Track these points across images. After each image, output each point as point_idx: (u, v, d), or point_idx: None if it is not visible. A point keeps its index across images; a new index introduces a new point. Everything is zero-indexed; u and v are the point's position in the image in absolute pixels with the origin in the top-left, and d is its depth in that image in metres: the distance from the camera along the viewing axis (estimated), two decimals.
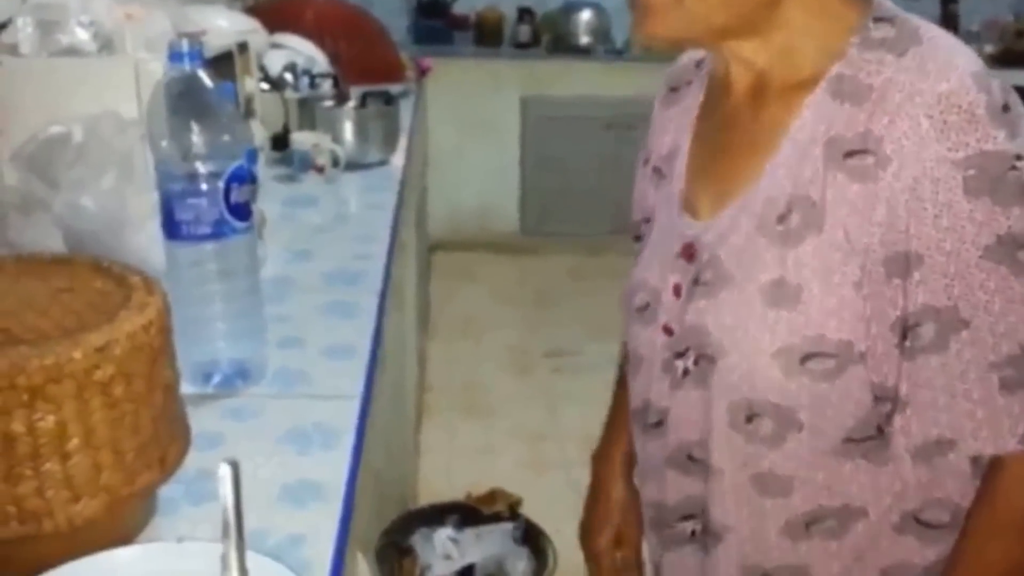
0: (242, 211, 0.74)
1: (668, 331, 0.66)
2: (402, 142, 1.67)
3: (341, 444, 0.72)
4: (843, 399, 0.60)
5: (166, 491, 0.61)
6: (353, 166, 1.50)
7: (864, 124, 0.56)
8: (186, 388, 0.65)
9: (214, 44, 1.19)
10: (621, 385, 0.83)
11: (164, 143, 0.71)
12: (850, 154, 0.57)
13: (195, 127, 0.71)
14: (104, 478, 0.53)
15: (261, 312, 0.80)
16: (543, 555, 1.46)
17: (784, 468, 0.63)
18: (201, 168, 0.71)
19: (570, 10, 3.54)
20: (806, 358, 0.59)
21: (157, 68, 0.97)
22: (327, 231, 1.25)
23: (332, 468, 0.69)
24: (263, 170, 1.37)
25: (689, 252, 0.65)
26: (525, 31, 3.58)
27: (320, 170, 1.44)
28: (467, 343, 2.86)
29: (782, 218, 0.60)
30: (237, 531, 0.44)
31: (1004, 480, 0.59)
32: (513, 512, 1.52)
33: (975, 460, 0.61)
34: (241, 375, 0.78)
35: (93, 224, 0.83)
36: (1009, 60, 3.05)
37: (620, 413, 0.84)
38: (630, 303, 0.70)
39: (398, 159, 1.62)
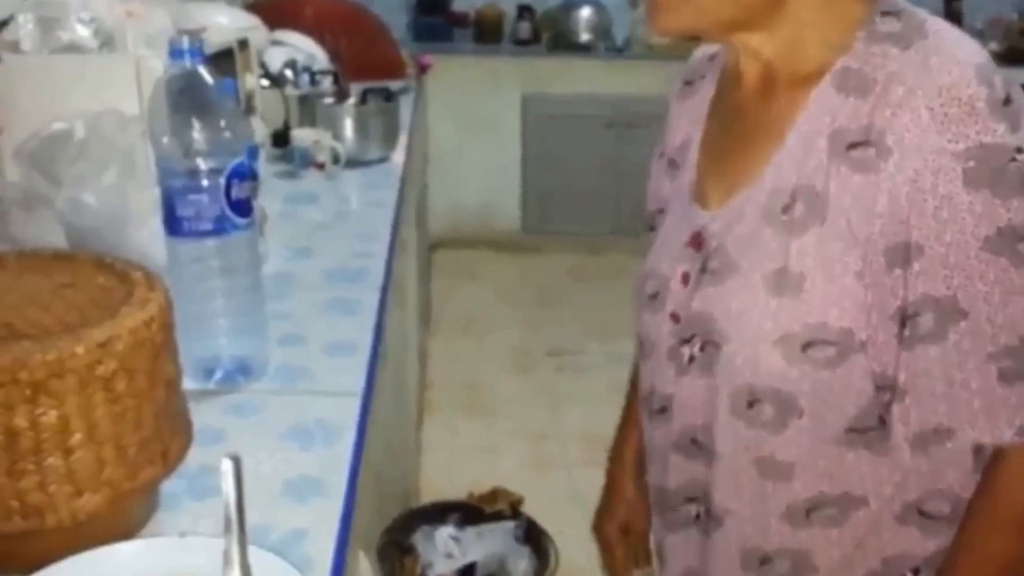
0: (243, 207, 0.74)
1: (675, 318, 0.68)
2: (402, 139, 1.67)
3: (342, 440, 0.72)
4: (844, 388, 0.61)
5: (168, 486, 0.62)
6: (353, 163, 1.50)
7: (868, 116, 0.57)
8: (188, 384, 0.65)
9: (214, 41, 1.20)
10: (634, 384, 0.84)
11: (165, 140, 0.71)
12: (853, 146, 0.58)
13: (196, 124, 0.71)
14: (106, 473, 0.53)
15: (263, 308, 0.81)
16: (545, 554, 1.46)
17: (785, 454, 0.63)
18: (202, 164, 0.71)
19: (570, 7, 3.53)
20: (807, 345, 0.60)
21: (158, 65, 0.97)
22: (328, 228, 1.25)
23: (333, 464, 0.69)
24: (264, 167, 1.37)
25: (697, 241, 0.66)
26: (525, 28, 3.57)
27: (321, 167, 1.44)
28: (468, 342, 2.86)
29: (787, 208, 0.61)
30: (239, 526, 0.44)
31: (1004, 473, 0.60)
32: (515, 511, 1.52)
33: (977, 452, 0.61)
34: (243, 371, 0.78)
35: (95, 220, 0.83)
36: (1013, 58, 3.04)
37: (633, 412, 0.85)
38: (641, 291, 0.72)
39: (398, 156, 1.62)
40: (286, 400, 0.78)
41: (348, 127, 1.54)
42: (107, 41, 1.06)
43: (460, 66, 3.34)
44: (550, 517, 1.55)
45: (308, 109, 1.59)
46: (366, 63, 1.95)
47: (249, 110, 1.42)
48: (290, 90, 1.61)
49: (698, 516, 0.70)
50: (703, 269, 0.65)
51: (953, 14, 3.27)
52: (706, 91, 0.72)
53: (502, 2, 3.60)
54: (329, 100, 1.62)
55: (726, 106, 0.69)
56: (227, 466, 0.44)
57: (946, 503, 0.63)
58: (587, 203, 3.55)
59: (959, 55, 0.57)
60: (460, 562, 1.44)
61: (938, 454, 0.62)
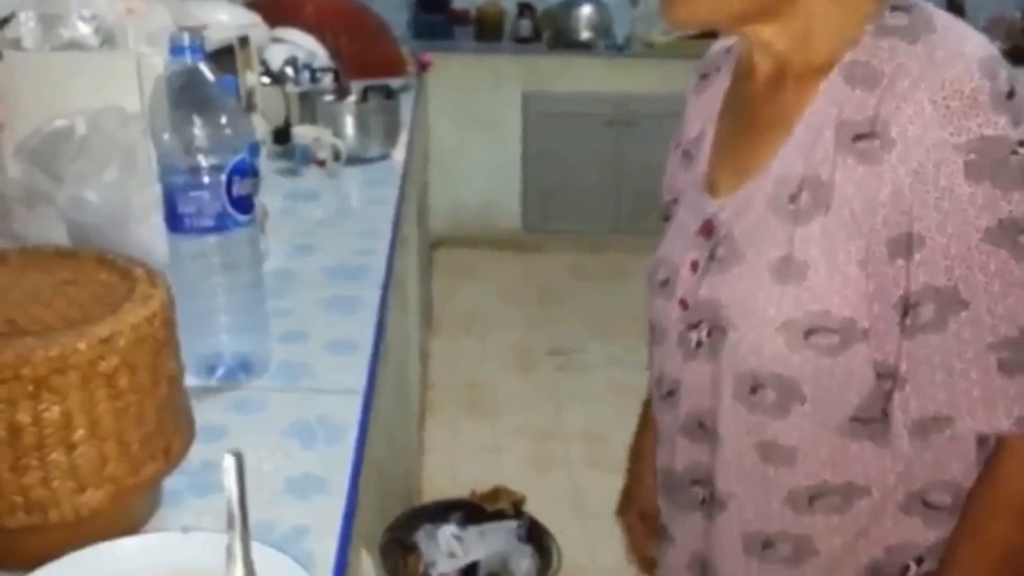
0: (244, 204, 0.74)
1: (684, 304, 0.69)
2: (403, 137, 1.67)
3: (344, 438, 0.72)
4: (846, 376, 0.62)
5: (171, 483, 0.62)
6: (354, 160, 1.50)
7: (874, 109, 0.58)
8: (190, 381, 0.65)
9: (215, 38, 1.19)
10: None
11: (166, 136, 0.71)
12: (859, 137, 0.59)
13: (197, 120, 0.71)
14: (109, 469, 0.53)
15: (264, 305, 0.81)
16: (547, 553, 1.46)
17: (788, 439, 0.64)
18: (203, 161, 0.71)
19: (571, 5, 3.53)
20: (810, 332, 0.61)
21: (158, 62, 0.97)
22: (329, 225, 1.25)
23: (336, 462, 0.69)
24: (265, 164, 1.37)
25: (707, 229, 0.68)
26: (526, 26, 3.57)
27: (321, 164, 1.44)
28: (470, 341, 2.86)
29: (793, 197, 0.62)
30: (242, 522, 0.44)
31: (1005, 462, 0.61)
32: (517, 510, 1.52)
33: (980, 444, 0.62)
34: (244, 368, 0.78)
35: (96, 217, 0.83)
36: (1016, 56, 3.03)
37: (651, 411, 0.86)
38: (652, 278, 0.74)
39: (399, 154, 1.62)
40: (288, 397, 0.78)
41: (349, 124, 1.54)
42: (108, 38, 1.06)
43: (460, 64, 3.34)
44: (551, 516, 1.56)
45: (309, 106, 1.59)
46: (367, 61, 1.95)
47: (250, 107, 1.41)
48: (291, 87, 1.61)
49: (704, 500, 0.71)
50: (711, 257, 0.66)
51: (955, 12, 3.26)
52: (721, 84, 0.73)
53: (503, 0, 3.60)
54: (330, 97, 1.61)
55: (739, 98, 0.70)
56: (229, 462, 0.44)
57: (949, 494, 0.64)
58: (588, 201, 3.55)
59: (964, 49, 0.57)
60: (463, 561, 1.44)
61: (939, 444, 0.62)
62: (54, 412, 0.50)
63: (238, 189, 0.73)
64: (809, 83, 0.62)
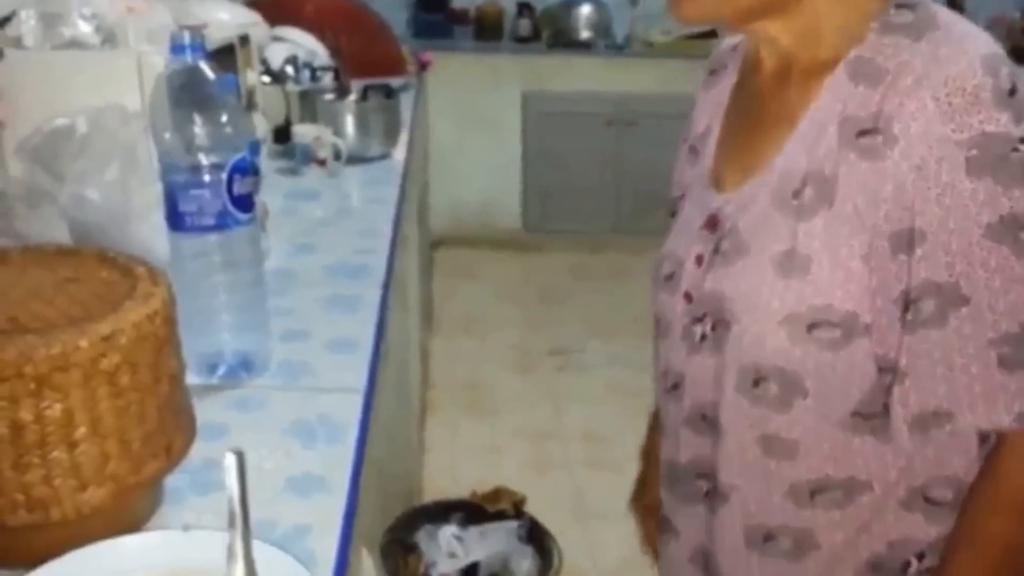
0: (245, 202, 0.74)
1: (688, 298, 0.69)
2: (403, 136, 1.67)
3: (345, 437, 0.72)
4: (848, 370, 0.62)
5: (172, 481, 0.62)
6: (354, 159, 1.50)
7: (877, 105, 0.59)
8: (191, 379, 0.65)
9: (215, 37, 1.19)
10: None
11: (167, 135, 0.71)
12: (863, 133, 0.59)
13: (198, 119, 0.71)
14: (111, 467, 0.53)
15: (265, 304, 0.81)
16: (548, 554, 1.46)
17: (790, 433, 0.65)
18: (204, 160, 0.71)
19: (570, 5, 3.53)
20: (812, 326, 0.61)
21: (159, 61, 0.97)
22: (329, 224, 1.25)
23: (336, 461, 0.69)
24: (265, 163, 1.37)
25: (712, 224, 0.68)
26: (525, 25, 3.57)
27: (322, 163, 1.44)
28: (470, 341, 2.86)
29: (797, 192, 0.62)
30: (243, 520, 0.44)
31: (1005, 458, 0.61)
32: (517, 510, 1.52)
33: (982, 440, 0.62)
34: (245, 367, 0.78)
35: (98, 216, 0.83)
36: (1017, 56, 3.03)
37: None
38: (658, 273, 0.74)
39: (399, 153, 1.62)
40: (289, 396, 0.78)
41: (349, 123, 1.54)
42: (109, 37, 1.06)
43: (460, 63, 3.34)
44: (552, 517, 1.56)
45: (309, 105, 1.59)
46: (367, 60, 1.95)
47: (250, 106, 1.41)
48: (291, 86, 1.61)
49: (707, 493, 0.71)
50: (716, 251, 0.67)
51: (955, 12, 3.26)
52: (728, 80, 0.74)
53: None
54: (330, 96, 1.61)
55: (745, 94, 0.71)
56: (230, 460, 0.44)
57: (950, 490, 0.64)
58: (588, 201, 3.55)
59: (967, 46, 0.58)
60: (463, 561, 1.44)
61: (940, 439, 0.63)
62: (56, 410, 0.50)
63: (239, 187, 0.73)
64: (814, 79, 0.63)
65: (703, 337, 0.68)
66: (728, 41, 0.76)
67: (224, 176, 0.72)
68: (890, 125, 0.58)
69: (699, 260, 0.68)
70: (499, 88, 3.46)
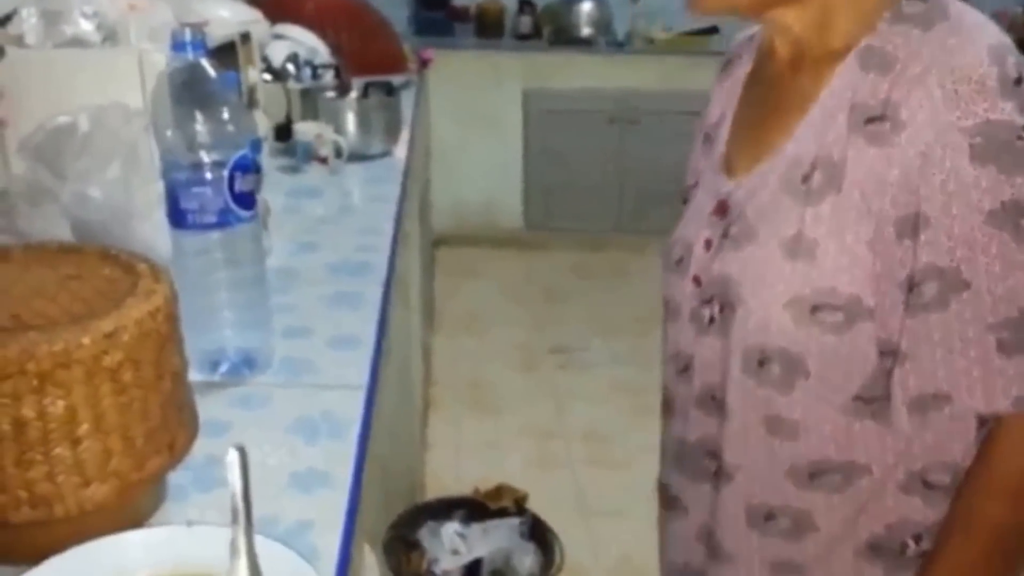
0: (247, 200, 0.74)
1: (697, 282, 0.71)
2: (404, 134, 1.67)
3: (348, 433, 0.72)
4: (851, 354, 0.63)
5: (175, 478, 0.62)
6: (356, 157, 1.50)
7: (886, 93, 0.60)
8: (194, 376, 0.65)
9: (216, 34, 1.19)
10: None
11: (168, 133, 0.71)
12: (871, 120, 0.61)
13: (199, 116, 0.71)
14: (114, 463, 0.53)
15: (267, 301, 0.81)
16: (550, 551, 1.46)
17: (792, 413, 0.66)
18: (205, 157, 0.71)
19: (571, 1, 3.53)
20: (816, 309, 0.62)
21: (160, 58, 0.97)
22: (331, 222, 1.25)
23: (339, 457, 0.69)
24: (267, 161, 1.37)
25: (722, 209, 0.70)
26: (526, 23, 3.57)
27: (323, 161, 1.44)
28: (472, 339, 2.86)
29: (806, 177, 0.64)
30: (246, 516, 0.44)
31: (1001, 442, 0.62)
32: (519, 507, 1.52)
33: (980, 425, 0.63)
34: (248, 364, 0.78)
35: (100, 214, 0.83)
36: (1020, 50, 3.02)
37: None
38: (668, 257, 0.76)
39: (400, 151, 1.62)
40: (291, 393, 0.78)
41: (350, 121, 1.54)
42: (110, 35, 1.06)
43: (461, 61, 3.34)
44: (554, 514, 1.56)
45: (310, 103, 1.59)
46: (367, 57, 1.95)
47: (252, 104, 1.41)
48: (292, 84, 1.61)
49: (715, 472, 0.72)
50: (725, 235, 0.68)
51: None
52: (743, 70, 0.75)
53: None
54: (331, 94, 1.61)
55: (759, 82, 0.72)
56: (233, 457, 0.44)
57: (948, 474, 0.65)
58: (590, 199, 3.54)
59: (975, 36, 0.59)
60: (466, 558, 1.44)
61: (939, 423, 0.63)
62: (58, 407, 0.50)
63: (240, 185, 0.73)
64: (826, 67, 0.64)
65: (711, 320, 0.69)
66: (744, 33, 0.78)
67: (226, 173, 0.72)
68: (898, 112, 0.59)
69: (708, 244, 0.70)
70: (500, 86, 3.46)
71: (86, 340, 0.51)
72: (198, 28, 0.72)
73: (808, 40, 0.65)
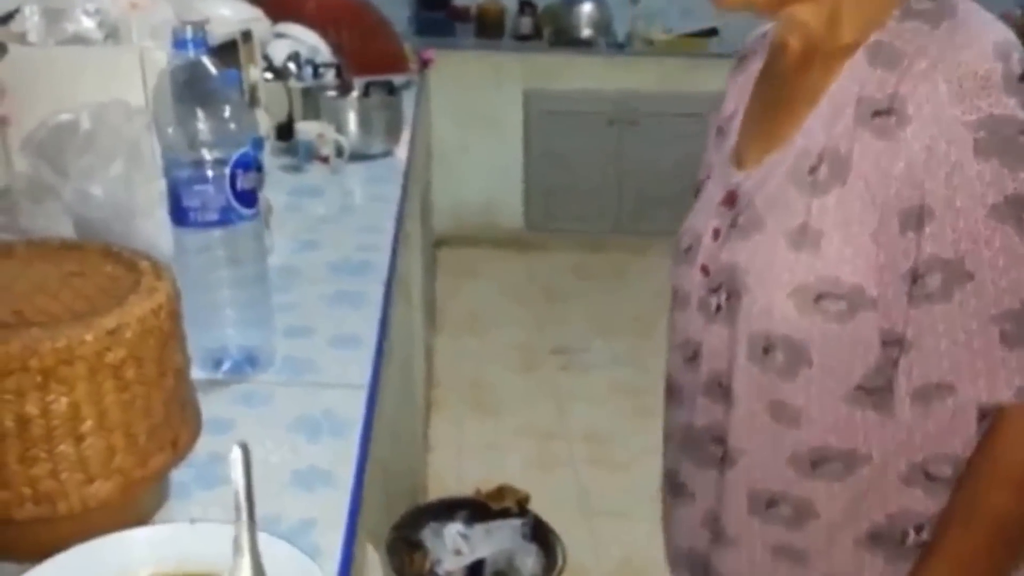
0: (248, 198, 0.74)
1: (705, 270, 0.72)
2: (405, 134, 1.67)
3: (350, 432, 0.72)
4: (853, 343, 0.64)
5: (178, 475, 0.62)
6: (357, 157, 1.50)
7: (893, 87, 0.61)
8: (196, 374, 0.65)
9: (218, 33, 1.19)
10: None
11: (170, 130, 0.71)
12: (877, 113, 0.62)
13: (201, 114, 0.71)
14: (117, 460, 0.53)
15: (269, 299, 0.81)
16: (552, 551, 1.46)
17: (796, 400, 0.67)
18: (207, 155, 0.71)
19: (571, 3, 3.53)
20: (819, 297, 0.64)
21: (162, 56, 0.97)
22: (332, 221, 1.25)
23: (341, 456, 0.69)
24: (268, 160, 1.37)
25: (731, 199, 0.71)
26: (526, 23, 3.57)
27: (325, 160, 1.44)
28: (473, 339, 2.86)
29: (813, 169, 0.65)
30: (249, 513, 0.44)
31: (1005, 433, 0.63)
32: (521, 508, 1.52)
33: (981, 418, 0.64)
34: (250, 362, 0.78)
35: (102, 211, 0.83)
36: None
37: None
38: (677, 247, 0.77)
39: (401, 151, 1.62)
40: (293, 391, 0.77)
41: (351, 120, 1.54)
42: (112, 33, 1.06)
43: (461, 61, 3.34)
44: (556, 515, 1.56)
45: (311, 102, 1.59)
46: (368, 57, 1.95)
47: (253, 102, 1.41)
48: (293, 83, 1.61)
49: (721, 458, 0.73)
50: (732, 224, 0.69)
51: None
52: (756, 65, 0.77)
53: None
54: (332, 93, 1.61)
55: (771, 76, 0.74)
56: (236, 454, 0.44)
57: (949, 466, 0.66)
58: (590, 200, 3.54)
59: (982, 33, 0.61)
60: (469, 558, 1.44)
61: (940, 415, 0.64)
62: (62, 403, 0.50)
63: (242, 183, 0.73)
64: (836, 61, 0.65)
65: (718, 308, 0.70)
66: (759, 30, 0.80)
67: (227, 171, 0.72)
68: (904, 106, 0.60)
69: (716, 234, 0.71)
70: (500, 86, 3.46)
71: (89, 337, 0.51)
72: (199, 26, 0.72)
73: (820, 35, 0.67)
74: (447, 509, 1.53)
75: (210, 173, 0.72)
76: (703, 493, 0.76)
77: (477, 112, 3.46)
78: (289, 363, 0.82)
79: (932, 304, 0.61)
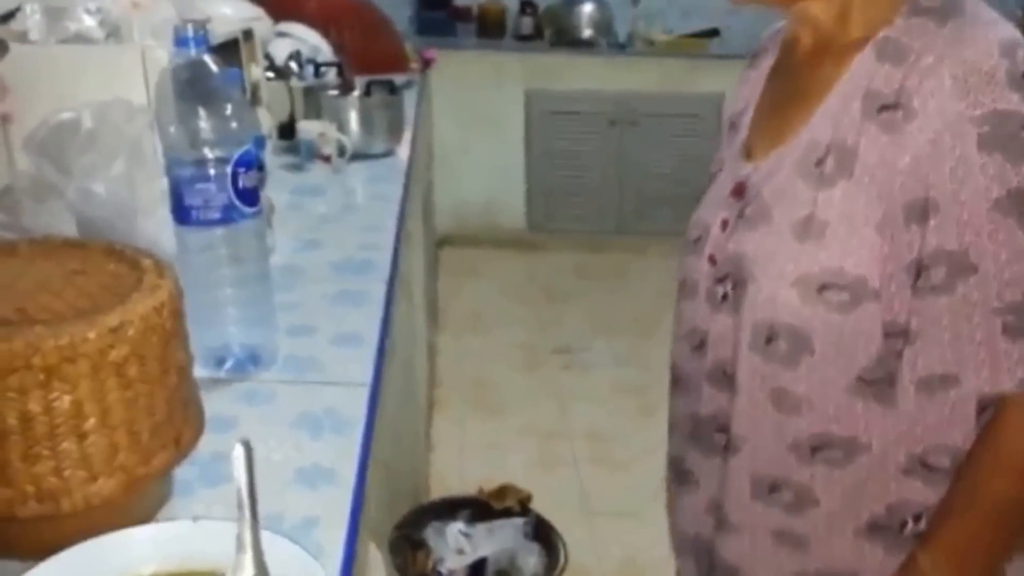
0: (250, 196, 0.74)
1: (712, 260, 0.74)
2: (407, 133, 1.67)
3: (352, 430, 0.72)
4: (855, 333, 0.65)
5: (181, 473, 0.62)
6: (359, 156, 1.50)
7: (900, 82, 0.63)
8: (199, 372, 0.65)
9: (219, 31, 1.19)
10: None
11: (172, 129, 0.71)
12: (884, 108, 0.63)
13: (202, 113, 0.71)
14: (120, 458, 0.53)
15: (271, 298, 0.81)
16: (554, 550, 1.46)
17: (798, 388, 0.68)
18: (209, 154, 0.71)
19: (572, 3, 3.53)
20: (823, 288, 0.65)
21: (163, 55, 0.97)
22: (334, 221, 1.25)
23: (344, 454, 0.69)
24: (270, 159, 1.37)
25: (739, 190, 0.72)
26: (527, 23, 3.57)
27: (327, 160, 1.44)
28: (475, 339, 2.86)
29: (820, 161, 0.66)
30: (251, 510, 0.44)
31: (1007, 422, 0.63)
32: (523, 507, 1.52)
33: (981, 410, 0.65)
34: (253, 360, 0.78)
35: (105, 210, 0.83)
36: None
37: None
38: (686, 238, 0.78)
39: (403, 151, 1.62)
40: (296, 389, 0.78)
41: (353, 120, 1.54)
42: (113, 31, 1.06)
43: (462, 61, 3.33)
44: (557, 514, 1.55)
45: (313, 101, 1.59)
46: (370, 56, 1.95)
47: (255, 101, 1.41)
48: (295, 82, 1.61)
49: (725, 446, 0.74)
50: (740, 215, 0.71)
51: None
52: (768, 62, 0.79)
53: None
54: (334, 92, 1.61)
55: (781, 71, 0.76)
56: (239, 451, 0.43)
57: (948, 457, 0.67)
58: (591, 201, 3.55)
59: (988, 30, 0.62)
60: (471, 557, 1.44)
61: (941, 407, 0.65)
62: (64, 401, 0.50)
63: (244, 181, 0.73)
64: (845, 57, 0.66)
65: (724, 297, 0.71)
66: (771, 28, 0.81)
67: (229, 170, 0.72)
68: (910, 101, 0.61)
69: (724, 225, 0.72)
70: (502, 86, 3.46)
71: (92, 335, 0.51)
72: (201, 25, 0.72)
73: (831, 31, 0.68)
74: (449, 508, 1.53)
75: (212, 172, 0.72)
76: (707, 480, 0.77)
77: (478, 112, 3.45)
78: (291, 362, 0.82)
79: (936, 296, 0.62)
